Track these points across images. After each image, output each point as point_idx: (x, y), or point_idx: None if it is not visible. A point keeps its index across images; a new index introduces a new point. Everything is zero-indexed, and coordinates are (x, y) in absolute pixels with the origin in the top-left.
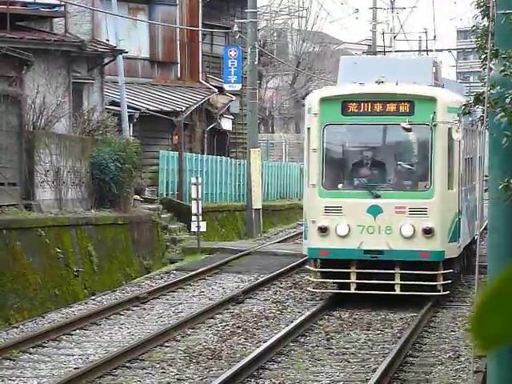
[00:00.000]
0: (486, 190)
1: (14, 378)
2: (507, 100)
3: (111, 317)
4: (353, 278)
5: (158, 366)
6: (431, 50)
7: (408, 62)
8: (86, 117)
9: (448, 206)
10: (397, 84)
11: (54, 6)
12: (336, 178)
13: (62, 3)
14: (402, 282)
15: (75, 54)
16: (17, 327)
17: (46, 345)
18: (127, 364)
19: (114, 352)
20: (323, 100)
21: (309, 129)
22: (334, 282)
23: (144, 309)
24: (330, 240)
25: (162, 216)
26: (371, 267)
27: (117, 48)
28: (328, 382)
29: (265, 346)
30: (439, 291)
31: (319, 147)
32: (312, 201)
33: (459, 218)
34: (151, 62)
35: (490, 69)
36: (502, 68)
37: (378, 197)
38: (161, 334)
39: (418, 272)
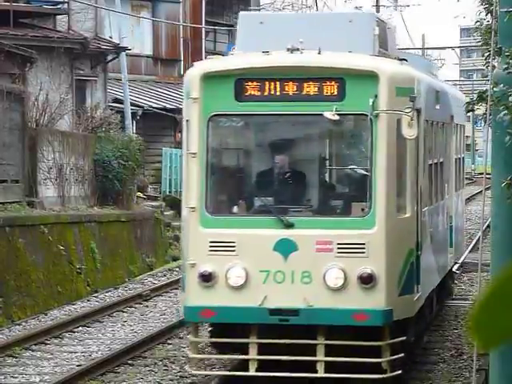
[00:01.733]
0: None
1: (16, 375)
2: (510, 98)
3: (114, 314)
4: (253, 353)
5: (161, 363)
6: (434, 48)
7: (338, 20)
8: (89, 114)
9: (398, 240)
10: (319, 53)
11: (57, 3)
12: (227, 198)
13: (66, 0)
14: (328, 359)
15: (78, 51)
16: (19, 324)
17: (49, 342)
18: (130, 361)
19: (116, 349)
20: (207, 78)
21: (188, 122)
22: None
23: (147, 306)
24: (218, 293)
25: (165, 213)
26: (281, 335)
27: (120, 45)
28: None
29: None
30: (385, 372)
31: (201, 150)
32: (191, 232)
33: (417, 256)
34: (154, 60)
35: (493, 66)
36: (506, 66)
37: (290, 226)
38: (163, 331)
39: (351, 343)
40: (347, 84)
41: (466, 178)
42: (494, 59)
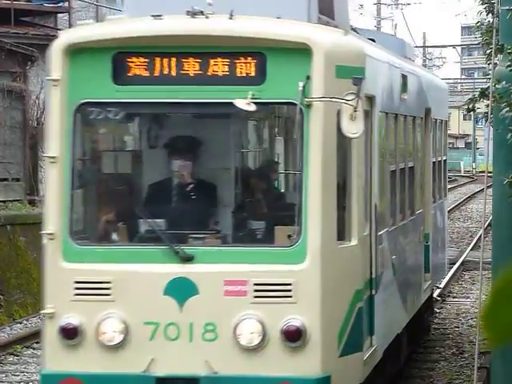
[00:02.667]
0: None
1: (17, 373)
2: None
3: None
4: None
5: None
6: (435, 47)
7: None
8: None
9: (339, 278)
10: (231, 18)
11: (59, 1)
12: (101, 221)
13: None
14: None
15: None
16: (21, 322)
17: None
18: None
19: None
20: (73, 51)
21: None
22: None
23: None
24: (86, 355)
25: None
26: None
27: None
28: None
29: None
30: None
31: (64, 154)
32: (48, 268)
33: (369, 297)
34: None
35: (495, 64)
36: (508, 63)
37: (189, 260)
38: None
39: None
40: (269, 61)
41: (467, 177)
42: (495, 57)
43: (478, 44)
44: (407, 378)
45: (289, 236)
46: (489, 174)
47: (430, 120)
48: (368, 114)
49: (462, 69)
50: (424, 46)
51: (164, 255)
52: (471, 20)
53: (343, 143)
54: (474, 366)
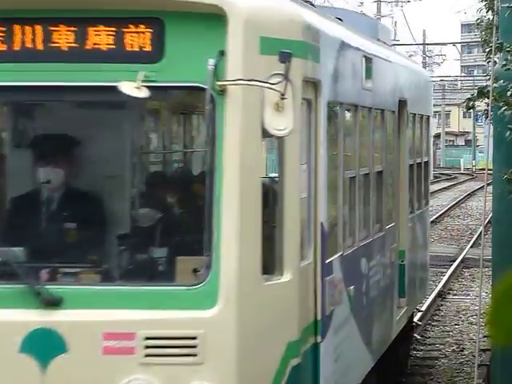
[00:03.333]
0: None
1: None
2: (509, 93)
3: None
4: None
5: None
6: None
7: None
8: None
9: (263, 327)
10: None
11: None
12: None
13: None
14: None
15: None
16: None
17: None
18: None
19: None
20: None
21: None
22: None
23: None
24: None
25: None
26: None
27: None
28: None
29: None
30: None
31: None
32: None
33: (313, 348)
34: None
35: (495, 62)
36: (504, 62)
37: (55, 304)
38: None
39: None
40: (168, 30)
41: (467, 175)
42: (495, 55)
43: (478, 42)
44: (407, 375)
45: (194, 270)
46: (489, 172)
47: (405, 114)
48: (311, 105)
49: (461, 66)
50: (424, 44)
51: (21, 297)
52: (471, 17)
53: (275, 142)
54: (474, 364)
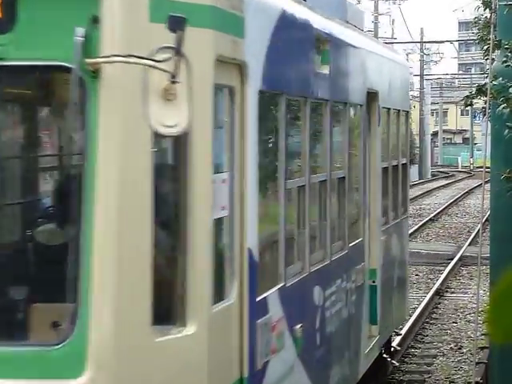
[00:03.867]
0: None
1: None
2: (510, 90)
3: None
4: None
5: None
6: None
7: None
8: None
9: None
10: None
11: None
12: None
13: None
14: None
15: None
16: None
17: None
18: None
19: None
20: None
21: None
22: None
23: None
24: None
25: None
26: None
27: None
28: None
29: None
30: None
31: None
32: None
33: None
34: None
35: (493, 60)
36: (504, 59)
37: None
38: None
39: None
40: None
41: (465, 172)
42: (493, 52)
43: (476, 39)
44: (405, 373)
45: (54, 324)
46: (487, 170)
47: (376, 109)
48: (233, 94)
49: (459, 64)
50: (421, 42)
51: None
52: (469, 15)
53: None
54: (472, 362)
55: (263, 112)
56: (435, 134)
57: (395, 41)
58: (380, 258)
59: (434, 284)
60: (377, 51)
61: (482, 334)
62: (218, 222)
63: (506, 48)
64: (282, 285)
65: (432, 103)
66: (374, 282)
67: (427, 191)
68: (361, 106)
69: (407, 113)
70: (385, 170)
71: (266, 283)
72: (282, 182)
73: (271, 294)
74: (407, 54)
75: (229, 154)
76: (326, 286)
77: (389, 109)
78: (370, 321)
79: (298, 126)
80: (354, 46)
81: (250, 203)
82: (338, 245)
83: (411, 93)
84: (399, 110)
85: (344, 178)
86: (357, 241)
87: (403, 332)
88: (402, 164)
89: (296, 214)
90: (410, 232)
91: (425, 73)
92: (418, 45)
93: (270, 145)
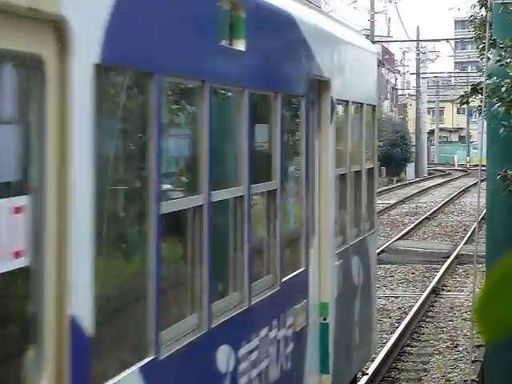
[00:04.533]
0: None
1: None
2: (502, 89)
3: None
4: None
5: None
6: (429, 40)
7: None
8: None
9: None
10: None
11: None
12: None
13: None
14: None
15: None
16: None
17: None
18: None
19: None
20: None
21: None
22: None
23: None
24: None
25: None
26: None
27: None
28: None
29: None
30: None
31: None
32: None
33: None
34: None
35: (488, 59)
36: (498, 58)
37: None
38: None
39: None
40: None
41: (461, 171)
42: (488, 51)
43: (472, 38)
44: (401, 371)
45: None
46: (483, 168)
47: (327, 102)
48: (40, 66)
49: (455, 62)
50: (418, 40)
51: None
52: (465, 13)
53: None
54: (468, 360)
55: (103, 97)
56: (431, 133)
57: (391, 39)
58: (334, 288)
59: (431, 282)
60: (331, 30)
61: (477, 332)
62: (9, 277)
63: (501, 47)
64: (151, 358)
65: (428, 101)
66: (324, 319)
67: (423, 189)
68: (302, 97)
69: (374, 107)
70: (342, 177)
71: (114, 362)
72: (153, 204)
73: (128, 375)
74: (403, 53)
75: (30, 163)
76: (239, 344)
77: (347, 102)
78: (321, 370)
79: (188, 122)
80: (291, 19)
81: (79, 241)
82: (262, 282)
83: (407, 91)
84: (362, 104)
85: (275, 190)
86: (295, 272)
87: (400, 330)
88: (368, 169)
89: (188, 246)
90: (406, 230)
91: (421, 71)
92: (415, 43)
93: (132, 148)
